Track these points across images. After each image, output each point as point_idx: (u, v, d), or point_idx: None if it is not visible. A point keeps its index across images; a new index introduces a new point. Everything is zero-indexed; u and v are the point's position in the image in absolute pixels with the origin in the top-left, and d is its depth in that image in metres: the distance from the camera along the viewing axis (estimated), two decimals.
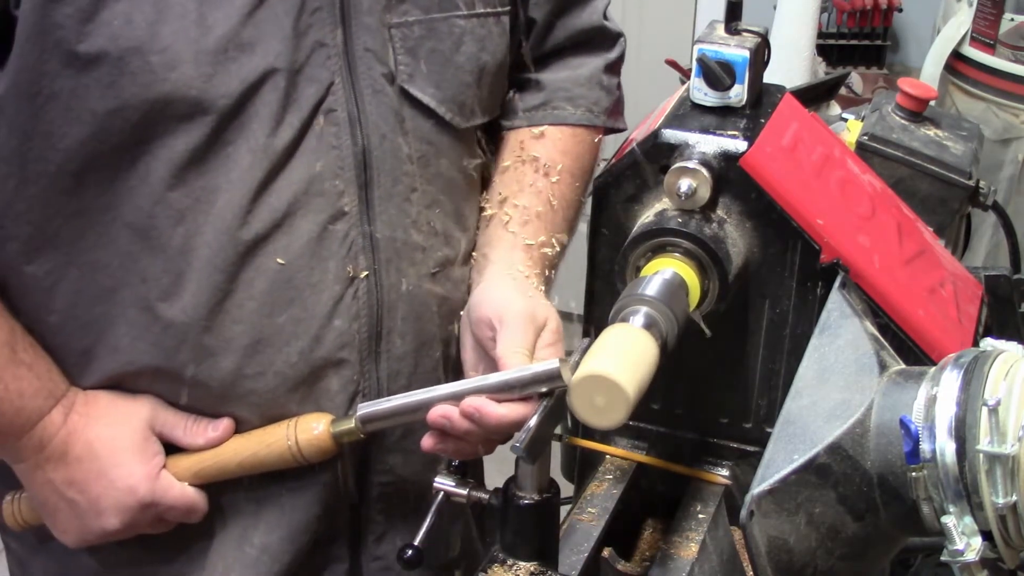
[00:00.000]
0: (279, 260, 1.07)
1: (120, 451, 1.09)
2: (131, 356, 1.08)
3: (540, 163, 1.23)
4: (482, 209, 1.25)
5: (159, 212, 1.03)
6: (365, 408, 1.08)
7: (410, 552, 1.04)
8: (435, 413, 1.03)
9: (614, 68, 1.32)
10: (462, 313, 1.19)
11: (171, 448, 1.12)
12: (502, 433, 1.03)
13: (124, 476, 1.09)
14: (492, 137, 1.28)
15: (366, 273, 1.11)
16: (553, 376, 0.98)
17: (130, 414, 1.10)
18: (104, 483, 1.09)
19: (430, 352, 1.19)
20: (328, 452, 1.11)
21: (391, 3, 1.10)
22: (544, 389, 0.99)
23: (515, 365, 1.03)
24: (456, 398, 1.03)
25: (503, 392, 1.01)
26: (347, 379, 1.13)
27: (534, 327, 1.09)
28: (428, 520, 1.06)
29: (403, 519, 1.23)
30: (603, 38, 1.32)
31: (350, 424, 1.09)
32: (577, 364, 0.95)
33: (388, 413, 1.08)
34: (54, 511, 1.11)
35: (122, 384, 1.11)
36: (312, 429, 1.10)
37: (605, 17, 1.31)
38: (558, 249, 1.24)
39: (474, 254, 1.24)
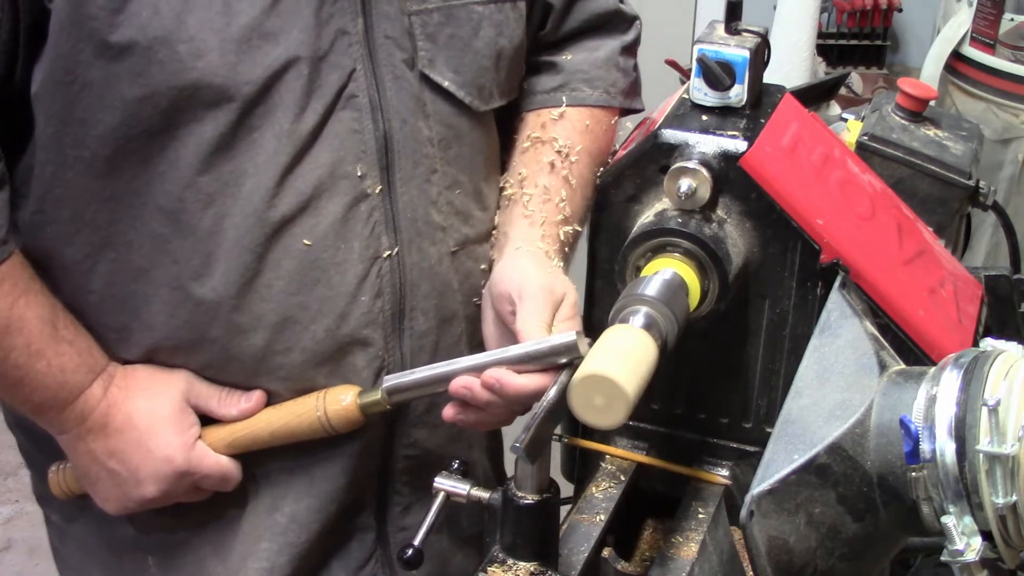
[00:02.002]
0: (305, 241, 1.10)
1: (158, 422, 1.13)
2: (166, 332, 1.12)
3: (559, 143, 1.25)
4: (502, 189, 1.28)
5: (189, 196, 1.07)
6: (391, 380, 1.12)
7: (410, 552, 1.05)
8: (457, 384, 1.07)
9: (631, 50, 1.35)
10: (483, 289, 1.22)
11: (205, 420, 1.16)
12: (522, 404, 1.07)
13: (162, 446, 1.13)
14: (510, 119, 1.31)
15: (389, 252, 1.14)
16: (571, 347, 1.01)
17: (167, 387, 1.14)
18: (143, 453, 1.13)
19: (452, 328, 1.22)
20: (356, 423, 1.14)
21: None
22: (562, 360, 1.02)
23: (534, 338, 1.05)
24: (478, 370, 1.06)
25: (523, 364, 1.04)
26: (372, 355, 1.16)
27: (552, 301, 1.11)
28: (428, 520, 1.06)
29: (428, 491, 1.25)
30: (619, 20, 1.34)
31: (376, 396, 1.12)
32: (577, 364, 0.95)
33: (413, 384, 1.11)
34: (96, 480, 1.16)
35: (158, 358, 1.15)
36: (340, 401, 1.13)
37: (620, 0, 1.34)
38: (577, 227, 1.26)
39: (494, 232, 1.26)
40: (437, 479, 1.07)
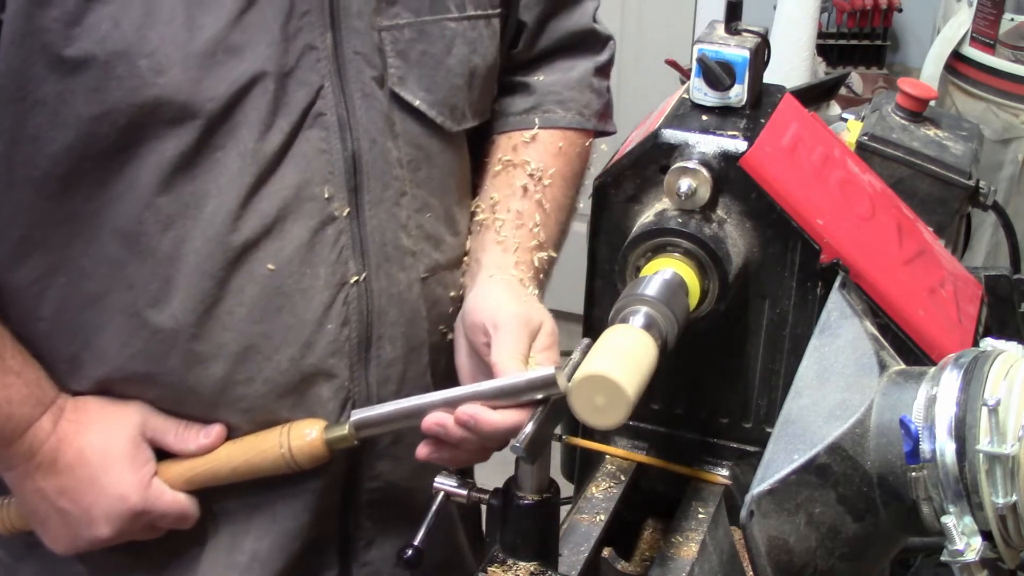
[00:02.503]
0: (269, 266, 1.06)
1: (111, 458, 1.08)
2: (119, 362, 1.07)
3: (531, 167, 1.22)
4: (473, 214, 1.24)
5: (147, 218, 1.02)
6: (358, 414, 1.08)
7: (410, 552, 1.04)
8: (429, 421, 1.03)
9: (604, 71, 1.32)
10: (455, 318, 1.18)
11: (161, 454, 1.11)
12: (497, 440, 1.03)
13: (116, 484, 1.08)
14: (481, 141, 1.27)
15: (356, 278, 1.10)
16: (548, 383, 0.98)
17: (120, 420, 1.09)
18: (95, 491, 1.08)
19: (419, 358, 1.18)
20: (321, 458, 1.10)
21: (381, 6, 1.09)
22: (540, 396, 0.99)
23: (510, 371, 1.02)
24: (450, 405, 1.02)
25: (498, 399, 1.01)
26: (338, 386, 1.12)
27: (529, 332, 1.08)
28: (428, 520, 1.05)
29: (392, 525, 1.23)
30: (593, 40, 1.31)
31: (344, 431, 1.08)
32: (577, 364, 0.94)
33: (382, 419, 1.07)
34: (44, 519, 1.10)
35: (111, 390, 1.10)
36: (305, 435, 1.09)
37: (595, 20, 1.31)
38: (552, 253, 1.23)
39: (466, 259, 1.23)
40: (437, 479, 1.06)
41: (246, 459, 1.10)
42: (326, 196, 1.07)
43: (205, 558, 1.15)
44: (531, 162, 1.23)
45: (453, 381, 1.15)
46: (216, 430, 1.10)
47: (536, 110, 1.26)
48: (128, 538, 1.11)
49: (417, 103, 1.13)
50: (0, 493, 1.16)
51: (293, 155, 1.05)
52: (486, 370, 1.07)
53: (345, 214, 1.09)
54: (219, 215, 1.03)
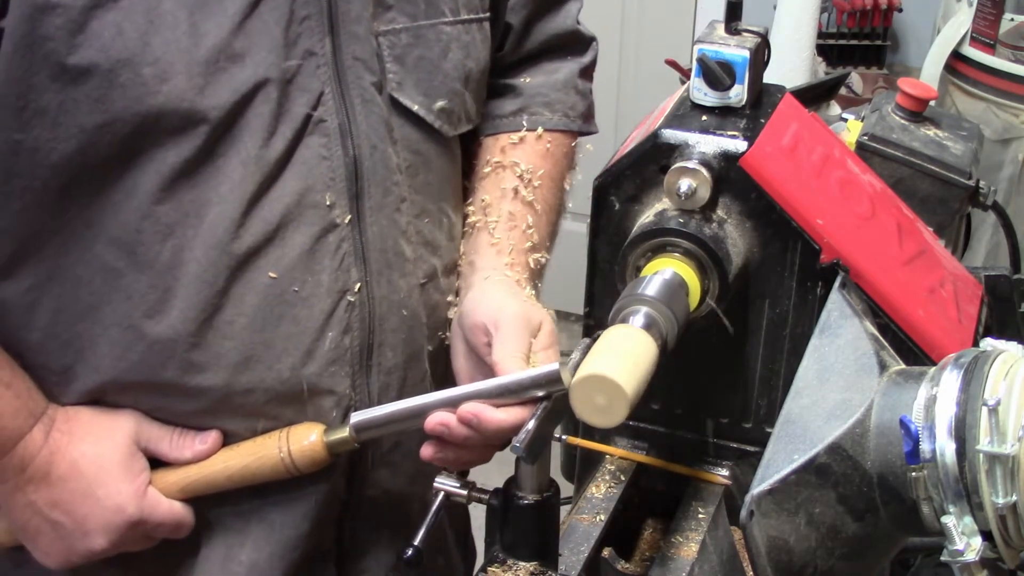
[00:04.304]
0: (271, 274, 1.05)
1: (106, 469, 1.06)
2: (114, 373, 1.06)
3: (520, 168, 1.22)
4: (466, 216, 1.24)
5: (146, 227, 1.01)
6: (359, 416, 1.07)
7: (410, 552, 1.04)
8: (433, 421, 1.02)
9: (587, 73, 1.32)
10: (452, 319, 1.18)
11: (155, 462, 1.10)
12: (501, 439, 1.02)
13: (111, 495, 1.06)
14: (468, 143, 1.27)
15: (358, 285, 1.09)
16: (553, 379, 0.98)
17: (114, 429, 1.07)
18: (91, 503, 1.06)
19: (419, 364, 1.17)
20: (322, 462, 1.09)
21: (378, 11, 1.09)
22: (543, 393, 0.99)
23: (513, 370, 1.01)
24: (452, 404, 1.02)
25: (501, 397, 1.00)
26: (339, 394, 1.11)
27: (529, 331, 1.07)
28: (428, 520, 1.05)
29: (388, 532, 1.22)
30: (577, 42, 1.32)
31: (344, 433, 1.07)
32: (578, 363, 0.94)
33: (382, 420, 1.06)
34: (36, 533, 1.08)
35: (104, 399, 1.08)
36: (305, 439, 1.08)
37: (578, 22, 1.31)
38: (546, 255, 1.23)
39: (460, 262, 1.23)
40: (438, 479, 1.06)
41: (244, 465, 1.08)
42: (328, 203, 1.07)
43: (200, 570, 1.14)
44: (520, 163, 1.23)
45: (451, 385, 1.14)
46: (212, 436, 1.09)
47: (523, 112, 1.27)
48: (123, 549, 1.09)
49: (415, 108, 1.13)
50: None
51: (295, 162, 1.05)
52: (485, 372, 1.07)
53: (347, 221, 1.08)
54: (221, 223, 1.02)
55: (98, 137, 0.97)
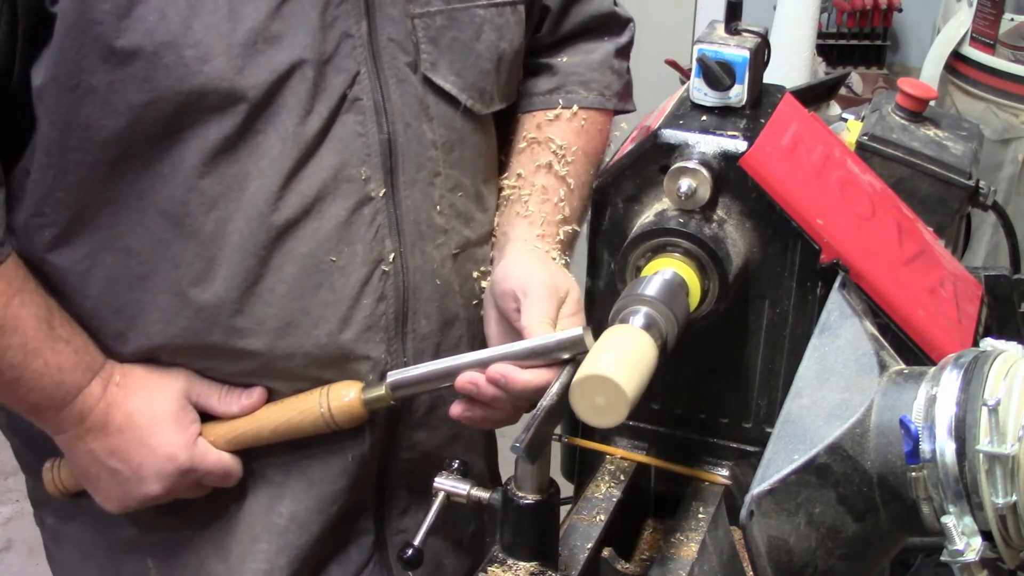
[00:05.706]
0: (309, 245, 1.10)
1: (159, 420, 1.13)
2: (164, 339, 1.12)
3: (555, 144, 1.26)
4: (500, 190, 1.28)
5: (192, 199, 1.06)
6: (395, 375, 1.13)
7: (410, 552, 1.04)
8: (463, 379, 1.08)
9: (624, 52, 1.36)
10: (485, 287, 1.22)
11: (204, 417, 1.16)
12: (527, 399, 1.07)
13: (164, 444, 1.13)
14: (506, 120, 1.31)
15: (392, 256, 1.15)
16: (577, 342, 1.02)
17: (166, 385, 1.14)
18: (145, 451, 1.13)
19: (453, 331, 1.22)
20: (360, 418, 1.15)
21: None
22: (568, 355, 1.03)
23: (539, 334, 1.06)
24: (483, 365, 1.07)
25: (528, 359, 1.05)
26: (375, 359, 1.16)
27: (557, 298, 1.11)
28: (428, 520, 1.06)
29: (426, 493, 1.25)
30: (614, 23, 1.36)
31: (381, 391, 1.13)
32: (578, 363, 0.94)
33: (417, 379, 1.12)
34: (96, 479, 1.16)
35: (156, 359, 1.15)
36: (344, 396, 1.14)
37: (615, 3, 1.36)
38: (576, 227, 1.26)
39: (494, 233, 1.27)
40: (437, 479, 1.07)
41: (287, 419, 1.15)
42: (363, 177, 1.12)
43: (244, 519, 1.21)
44: (555, 139, 1.26)
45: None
46: (257, 392, 1.15)
47: (559, 90, 1.30)
48: (176, 496, 1.17)
49: (448, 87, 1.17)
50: (51, 455, 1.21)
51: (331, 138, 1.10)
52: (515, 337, 1.11)
53: (381, 194, 1.13)
54: (261, 196, 1.07)
55: (144, 115, 1.02)
